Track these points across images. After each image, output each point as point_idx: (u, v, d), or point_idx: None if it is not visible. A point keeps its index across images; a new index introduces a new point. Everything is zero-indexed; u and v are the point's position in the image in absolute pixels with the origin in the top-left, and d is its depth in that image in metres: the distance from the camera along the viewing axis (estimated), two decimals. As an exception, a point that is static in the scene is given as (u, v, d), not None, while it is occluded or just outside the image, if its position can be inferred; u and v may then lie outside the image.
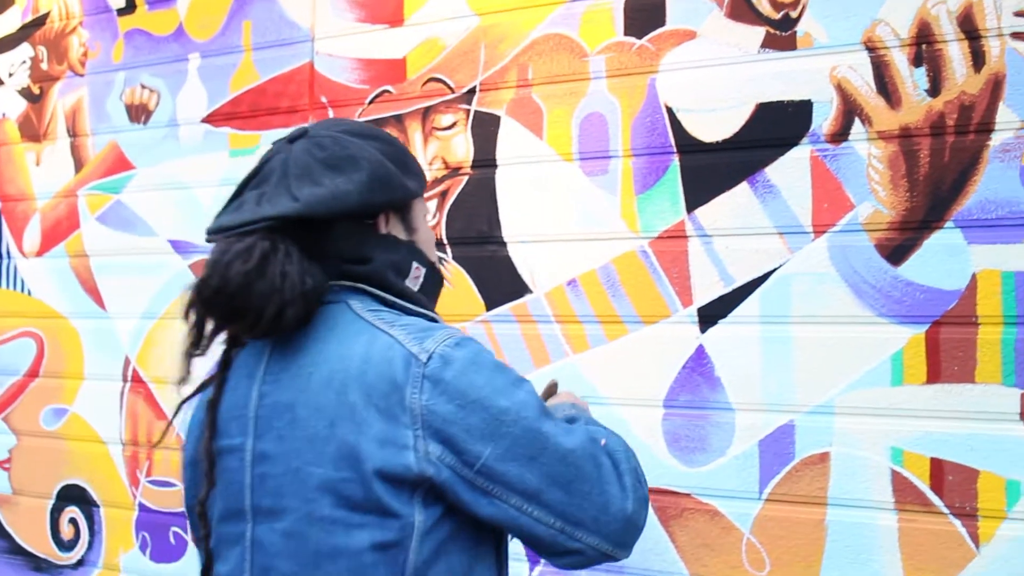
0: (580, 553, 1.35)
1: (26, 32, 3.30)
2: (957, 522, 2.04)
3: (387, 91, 2.65)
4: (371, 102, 2.67)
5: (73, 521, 3.19)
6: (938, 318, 2.07)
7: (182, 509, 2.93)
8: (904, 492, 2.09)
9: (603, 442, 1.38)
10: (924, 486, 2.07)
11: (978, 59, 2.04)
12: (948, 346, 2.06)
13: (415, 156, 1.55)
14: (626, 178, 2.36)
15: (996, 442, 2.01)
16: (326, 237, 1.39)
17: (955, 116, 2.06)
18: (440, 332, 1.35)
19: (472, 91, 2.54)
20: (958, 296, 2.05)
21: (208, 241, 1.40)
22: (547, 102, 2.45)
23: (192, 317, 1.37)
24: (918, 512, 2.08)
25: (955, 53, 2.06)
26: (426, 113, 2.59)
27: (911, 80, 2.10)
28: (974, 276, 2.04)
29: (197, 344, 1.38)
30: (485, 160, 2.51)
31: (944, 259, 2.06)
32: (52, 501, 3.23)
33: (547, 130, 2.45)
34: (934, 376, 2.07)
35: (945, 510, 2.05)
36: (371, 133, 1.48)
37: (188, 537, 2.95)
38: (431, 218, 2.49)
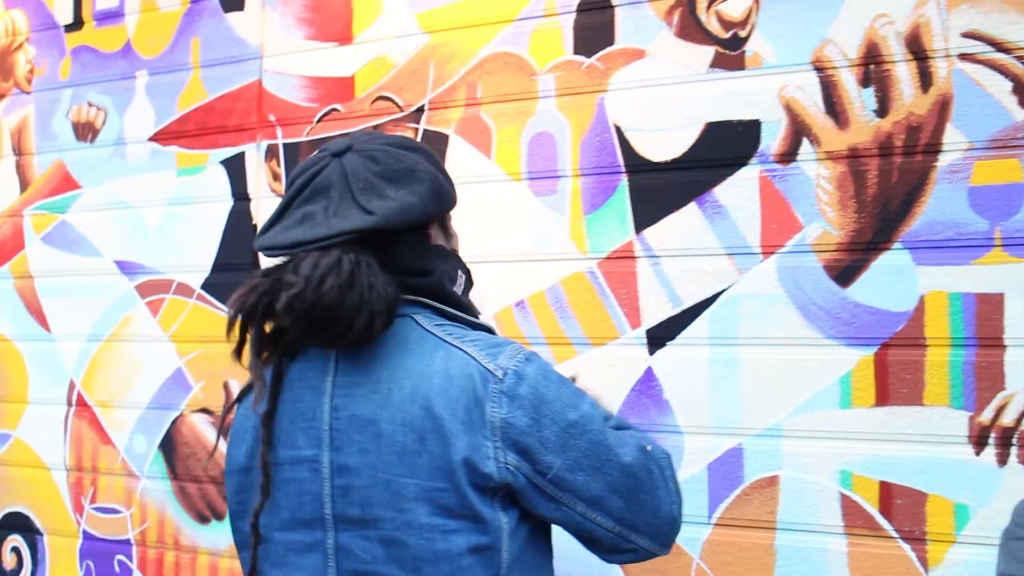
0: (632, 552, 1.51)
1: (-28, 49, 3.25)
2: (906, 546, 2.01)
3: (336, 109, 2.62)
4: (320, 120, 2.63)
5: (16, 550, 3.11)
6: (887, 340, 2.04)
7: (127, 536, 2.88)
8: (853, 516, 2.06)
9: (649, 448, 1.50)
10: (873, 510, 2.04)
11: (926, 80, 2.03)
12: (896, 368, 2.04)
13: None
14: (575, 198, 2.33)
15: (945, 465, 1.99)
16: (392, 250, 1.47)
17: (903, 137, 2.04)
18: (509, 348, 1.47)
19: (421, 109, 2.51)
20: (906, 318, 2.03)
21: (272, 255, 1.48)
22: (496, 121, 2.42)
23: (257, 320, 1.44)
24: (867, 536, 2.05)
25: (903, 74, 2.05)
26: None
27: (859, 100, 2.08)
28: (922, 298, 2.02)
29: (258, 356, 1.46)
30: (434, 180, 2.48)
31: (892, 280, 2.04)
32: (-6, 528, 3.16)
33: (496, 149, 2.42)
34: (883, 399, 2.04)
35: (894, 534, 2.03)
36: (414, 145, 1.57)
37: (132, 565, 2.88)
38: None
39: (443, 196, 1.54)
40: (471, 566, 1.41)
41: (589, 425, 1.44)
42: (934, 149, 2.02)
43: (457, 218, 2.41)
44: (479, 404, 1.41)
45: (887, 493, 2.03)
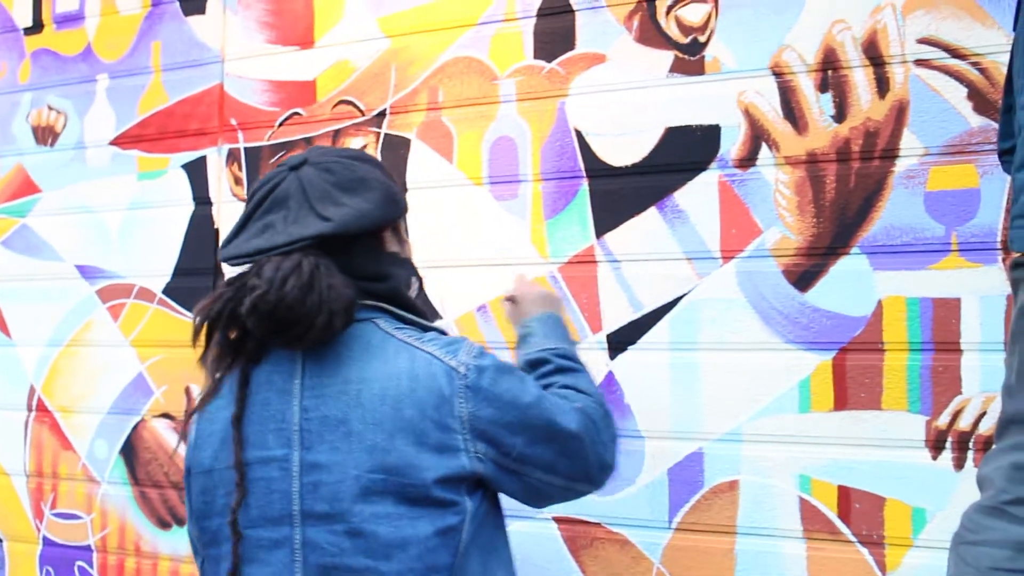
0: (573, 497, 1.71)
1: (-69, 51, 3.21)
2: (864, 550, 2.02)
3: (297, 113, 2.60)
4: (281, 124, 2.62)
5: (-25, 556, 3.07)
6: (845, 344, 2.05)
7: (87, 542, 2.85)
8: (812, 520, 2.07)
9: (580, 406, 1.63)
10: (832, 514, 2.05)
11: (882, 85, 2.04)
12: (855, 373, 2.04)
13: None
14: (536, 203, 2.33)
15: (902, 470, 2.00)
16: (348, 255, 1.56)
17: (860, 142, 2.05)
18: (464, 345, 1.58)
19: (382, 114, 2.50)
20: (864, 322, 2.04)
21: (236, 264, 1.57)
22: (457, 125, 2.41)
23: (222, 326, 1.54)
24: (826, 540, 2.05)
25: (860, 79, 2.06)
26: (336, 136, 2.55)
27: (817, 106, 2.09)
28: (880, 302, 2.02)
29: (223, 356, 1.57)
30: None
31: (850, 285, 2.05)
32: (-47, 535, 3.12)
33: (457, 154, 2.41)
34: (841, 403, 2.05)
35: (853, 538, 2.03)
36: (366, 157, 1.69)
37: (93, 571, 2.85)
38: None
39: (395, 203, 1.65)
40: (436, 547, 1.50)
41: (540, 404, 1.57)
42: (891, 154, 2.03)
43: (419, 223, 2.43)
44: (447, 401, 1.51)
45: (846, 497, 2.04)
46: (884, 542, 2.01)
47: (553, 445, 1.58)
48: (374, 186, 1.60)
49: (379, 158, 2.47)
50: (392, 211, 1.63)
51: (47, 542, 2.95)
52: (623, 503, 2.22)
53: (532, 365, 1.76)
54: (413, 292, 1.69)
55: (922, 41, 2.01)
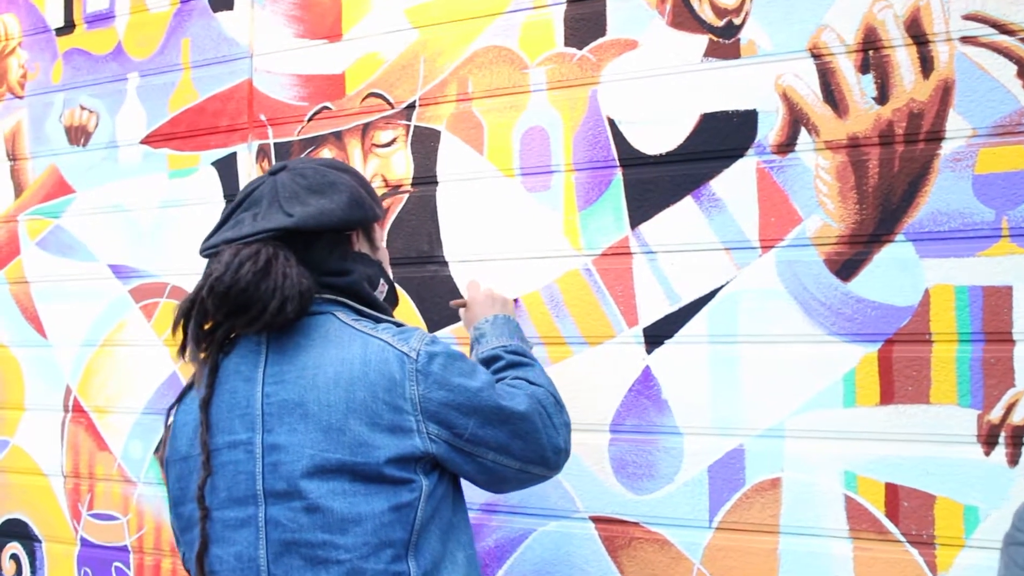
0: (530, 481, 1.78)
1: (-35, 54, 3.21)
2: (914, 551, 1.94)
3: (327, 107, 2.56)
4: (311, 119, 2.58)
5: (15, 557, 3.07)
6: (891, 336, 1.97)
7: (124, 543, 2.84)
8: (858, 519, 1.99)
9: (531, 393, 1.74)
10: (879, 513, 1.97)
11: (927, 65, 1.95)
12: (901, 365, 1.96)
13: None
14: (568, 194, 2.27)
15: (953, 466, 1.91)
16: (313, 249, 1.68)
17: (904, 124, 1.97)
18: (417, 333, 1.67)
19: (412, 106, 2.45)
20: (911, 312, 1.95)
21: (207, 255, 1.69)
22: (487, 116, 2.36)
23: (195, 317, 1.63)
24: (873, 540, 1.97)
25: (903, 59, 1.97)
26: (365, 130, 2.50)
27: (858, 88, 2.01)
28: (927, 291, 1.94)
29: (198, 343, 1.65)
30: (425, 177, 2.42)
31: (896, 274, 1.97)
32: (-6, 537, 3.12)
33: (488, 145, 2.36)
34: (887, 397, 1.97)
35: (901, 538, 1.95)
36: (342, 166, 1.81)
37: (130, 572, 2.84)
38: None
39: (362, 206, 1.75)
40: (391, 523, 1.58)
41: (489, 388, 1.67)
42: (936, 137, 1.94)
43: (449, 217, 2.38)
44: (399, 384, 1.60)
45: (893, 495, 1.96)
46: (935, 542, 1.92)
47: (505, 427, 1.67)
48: (342, 189, 1.72)
49: (409, 151, 2.43)
50: (357, 213, 1.73)
51: (84, 543, 2.94)
52: (662, 502, 2.16)
53: (486, 363, 1.90)
54: (380, 292, 1.80)
55: (968, 17, 1.92)
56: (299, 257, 1.65)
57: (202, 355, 1.67)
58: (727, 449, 2.10)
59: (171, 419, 1.79)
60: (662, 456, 2.16)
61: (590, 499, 2.23)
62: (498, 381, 1.78)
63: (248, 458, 1.62)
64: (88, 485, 2.93)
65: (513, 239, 2.32)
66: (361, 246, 1.78)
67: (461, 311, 2.21)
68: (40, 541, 3.03)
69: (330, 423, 1.58)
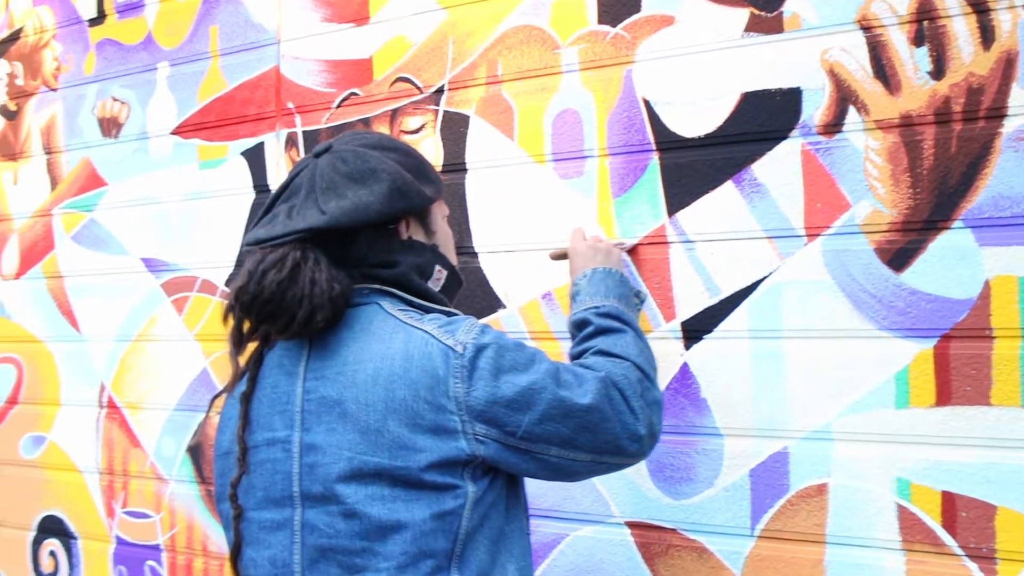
0: (609, 470, 1.64)
1: (2, 48, 3.19)
2: (973, 565, 1.78)
3: (355, 94, 2.47)
4: (339, 106, 2.49)
5: (53, 554, 3.05)
6: (947, 331, 1.81)
7: (156, 542, 2.79)
8: (912, 530, 1.84)
9: (603, 375, 1.58)
10: (934, 523, 1.82)
11: (987, 35, 1.79)
12: (959, 363, 1.80)
13: (430, 163, 1.72)
14: (602, 180, 2.14)
15: (1016, 473, 1.75)
16: (352, 245, 1.57)
17: (962, 101, 1.81)
18: (465, 323, 1.54)
19: (440, 90, 2.34)
20: (969, 306, 1.80)
21: (246, 251, 1.59)
22: (518, 100, 2.24)
23: (231, 319, 1.57)
24: (928, 553, 1.82)
25: (961, 29, 1.81)
26: (394, 116, 2.41)
27: (912, 62, 1.85)
28: (987, 283, 1.78)
29: (238, 344, 1.59)
30: (455, 164, 2.32)
31: (953, 264, 1.81)
32: (33, 533, 3.10)
33: (518, 130, 2.24)
34: (944, 398, 1.81)
35: (959, 551, 1.80)
36: (390, 145, 1.65)
37: (163, 571, 2.79)
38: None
39: (405, 195, 1.60)
40: (432, 531, 1.47)
41: (545, 382, 1.51)
42: (998, 114, 1.78)
43: (479, 205, 2.27)
44: (442, 382, 1.48)
45: (950, 504, 1.81)
46: (995, 556, 1.76)
47: (568, 421, 1.52)
48: (383, 178, 1.58)
49: (438, 137, 2.33)
50: (398, 204, 1.59)
51: (119, 541, 2.90)
52: (700, 507, 2.03)
53: (576, 327, 1.78)
54: (437, 280, 1.67)
55: (1034, -18, 1.76)
56: (336, 255, 1.55)
57: (246, 349, 1.62)
58: (770, 452, 1.96)
59: (211, 410, 1.78)
60: (701, 459, 2.03)
61: (625, 503, 2.11)
62: (579, 355, 1.68)
63: (286, 457, 1.54)
64: (122, 482, 2.89)
65: (545, 229, 2.21)
66: (413, 232, 1.65)
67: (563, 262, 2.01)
68: (76, 538, 2.99)
69: (368, 424, 1.48)
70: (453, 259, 1.75)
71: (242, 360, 1.64)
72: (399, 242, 1.62)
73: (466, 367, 1.48)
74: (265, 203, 1.63)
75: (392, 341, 1.52)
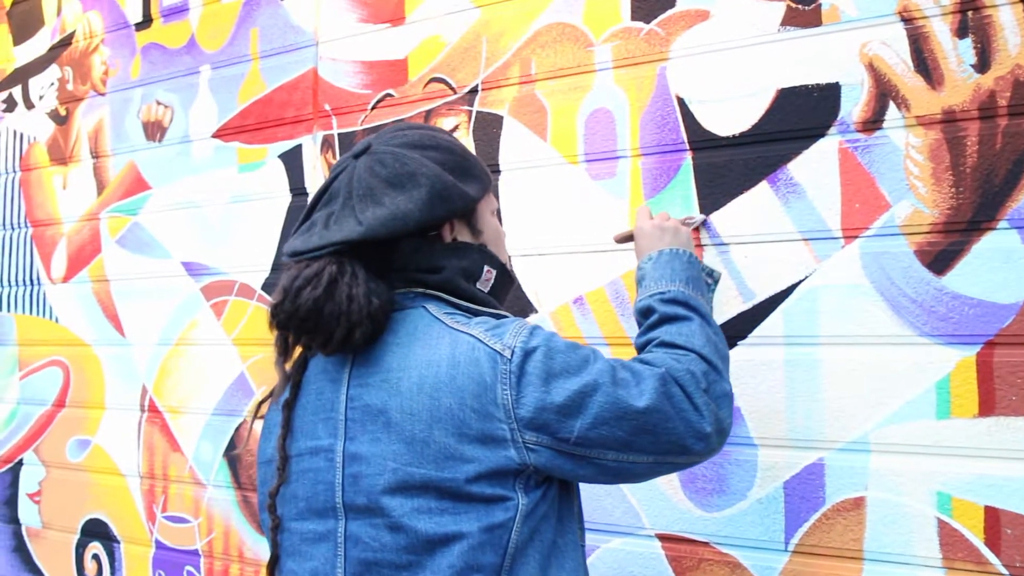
0: (674, 470, 1.57)
1: (54, 53, 3.23)
2: (1018, 585, 1.68)
3: (390, 95, 2.44)
4: (374, 107, 2.46)
5: (96, 557, 3.06)
6: (991, 338, 1.72)
7: (195, 547, 2.78)
8: (953, 547, 1.74)
9: (664, 371, 1.48)
10: (977, 540, 1.72)
11: (1036, 26, 1.70)
12: (1004, 371, 1.71)
13: (475, 157, 1.62)
14: (635, 180, 2.08)
15: (1065, 488, 1.65)
16: (394, 252, 1.50)
17: (1008, 95, 1.72)
18: (512, 326, 1.46)
19: (474, 90, 2.31)
20: (1015, 311, 1.70)
21: (285, 261, 1.53)
22: (551, 99, 2.19)
23: (275, 331, 1.51)
24: (970, 571, 1.72)
25: (1007, 20, 1.72)
26: (428, 117, 2.37)
27: (955, 54, 1.76)
28: (1035, 286, 1.68)
29: (283, 354, 1.53)
30: (488, 165, 2.25)
31: (997, 267, 1.72)
32: (77, 536, 3.12)
33: (551, 130, 2.19)
34: (988, 408, 1.72)
35: (1003, 570, 1.70)
36: (431, 143, 1.55)
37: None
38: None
39: (447, 200, 1.51)
40: (481, 545, 1.40)
41: (599, 384, 1.43)
42: (1047, 108, 1.68)
43: (510, 207, 2.22)
44: (489, 389, 1.41)
45: (993, 520, 1.71)
46: (1042, 576, 1.66)
47: (624, 424, 1.43)
48: (422, 182, 1.49)
49: (472, 138, 2.29)
50: (439, 210, 1.50)
51: (159, 545, 2.90)
52: (733, 521, 1.95)
53: (641, 314, 1.68)
54: (486, 281, 1.58)
55: (1085, -31, 1.66)
56: (376, 263, 1.49)
57: (292, 356, 1.56)
58: (805, 464, 1.88)
59: (249, 416, 1.70)
60: (734, 470, 1.95)
61: (656, 515, 2.04)
62: (644, 346, 1.60)
63: (329, 466, 1.48)
64: (163, 487, 2.89)
65: (577, 231, 2.15)
66: (458, 234, 1.56)
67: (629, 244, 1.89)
68: (119, 542, 3.00)
69: (413, 434, 1.41)
70: (503, 256, 1.64)
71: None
72: (442, 246, 1.54)
73: (514, 373, 1.41)
74: (304, 209, 1.57)
75: (438, 347, 1.45)
